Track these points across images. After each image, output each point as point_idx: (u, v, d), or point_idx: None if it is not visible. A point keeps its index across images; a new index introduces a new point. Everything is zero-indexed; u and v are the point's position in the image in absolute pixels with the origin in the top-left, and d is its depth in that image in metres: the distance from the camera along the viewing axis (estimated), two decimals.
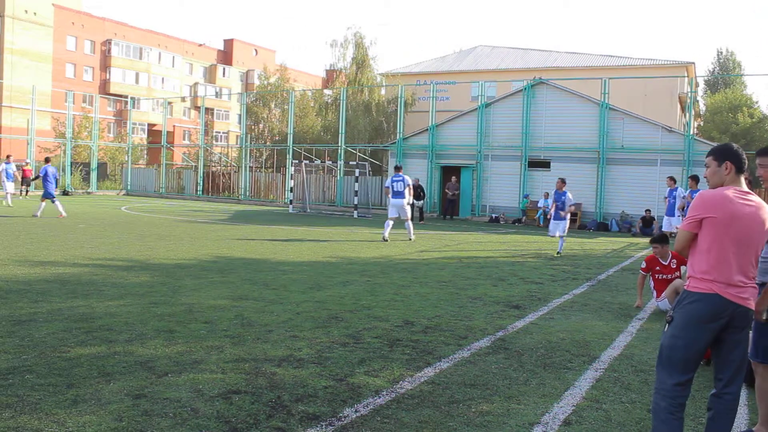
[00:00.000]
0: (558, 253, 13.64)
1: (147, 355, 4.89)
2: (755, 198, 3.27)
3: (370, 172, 30.50)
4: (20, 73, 52.24)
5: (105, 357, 4.78)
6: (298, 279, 8.88)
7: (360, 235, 16.72)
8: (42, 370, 4.39)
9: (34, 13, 54.45)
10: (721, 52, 66.16)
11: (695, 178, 14.27)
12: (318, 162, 31.61)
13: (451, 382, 4.58)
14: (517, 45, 55.72)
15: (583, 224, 23.56)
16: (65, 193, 33.28)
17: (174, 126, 62.27)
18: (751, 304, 3.23)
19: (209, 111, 65.65)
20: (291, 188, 28.26)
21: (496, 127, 25.99)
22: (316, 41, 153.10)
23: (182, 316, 6.21)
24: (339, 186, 30.53)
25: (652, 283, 7.86)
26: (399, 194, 15.27)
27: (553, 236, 14.01)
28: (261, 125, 48.56)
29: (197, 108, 63.12)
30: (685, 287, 3.30)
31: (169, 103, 51.71)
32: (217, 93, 68.33)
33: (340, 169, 30.52)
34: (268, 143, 43.80)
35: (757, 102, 53.01)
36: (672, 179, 15.28)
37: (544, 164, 24.87)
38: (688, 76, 35.03)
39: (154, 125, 60.84)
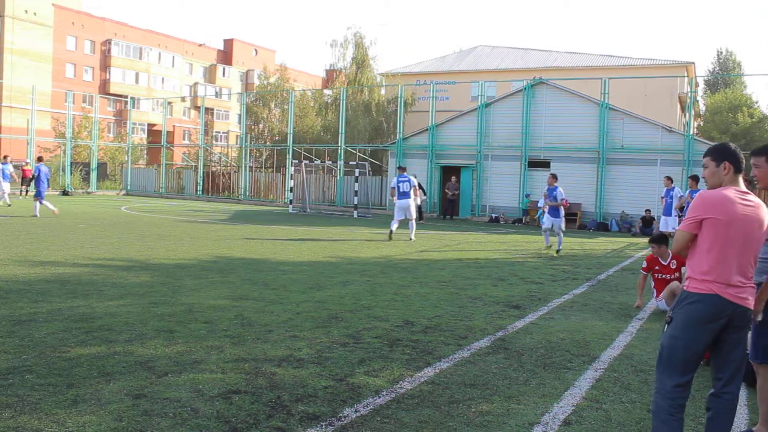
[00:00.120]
0: (557, 251, 13.65)
1: (147, 355, 4.89)
2: (754, 198, 3.27)
3: (370, 172, 30.50)
4: (20, 73, 52.25)
5: (105, 357, 4.78)
6: (298, 279, 8.88)
7: (360, 235, 16.72)
8: (42, 370, 4.39)
9: (34, 13, 54.45)
10: (721, 52, 66.20)
11: (695, 178, 14.27)
12: (318, 162, 31.61)
13: (451, 382, 4.58)
14: (517, 45, 55.77)
15: (583, 224, 23.57)
16: (65, 193, 33.29)
17: (174, 126, 62.28)
18: (750, 304, 3.23)
19: (209, 111, 65.65)
20: (291, 188, 28.26)
21: (496, 127, 25.99)
22: (316, 41, 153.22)
23: (182, 316, 6.22)
24: (339, 186, 30.54)
25: (653, 282, 7.86)
26: (405, 195, 15.25)
27: (547, 228, 13.92)
28: (261, 125, 48.56)
29: (197, 108, 63.13)
30: (685, 288, 3.30)
31: (169, 103, 51.71)
32: (217, 93, 68.33)
33: (340, 169, 30.52)
34: (268, 143, 43.80)
35: (757, 102, 53.10)
36: (669, 179, 15.27)
37: (544, 164, 24.86)
38: (688, 76, 35.03)
39: (154, 125, 60.83)
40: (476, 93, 30.25)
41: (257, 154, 42.63)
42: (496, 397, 4.30)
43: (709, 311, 3.16)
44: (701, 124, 53.68)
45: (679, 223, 13.05)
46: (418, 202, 15.53)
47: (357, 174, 25.72)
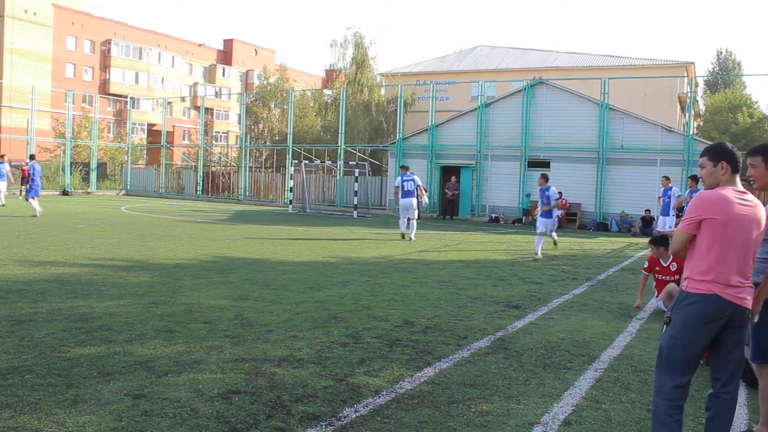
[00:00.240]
0: (536, 257, 12.83)
1: (147, 355, 4.89)
2: (752, 198, 3.28)
3: (370, 172, 30.49)
4: (20, 73, 52.24)
5: (105, 357, 4.78)
6: (298, 279, 8.88)
7: (360, 235, 16.72)
8: (42, 370, 4.39)
9: (34, 13, 54.44)
10: (721, 52, 66.19)
11: (695, 179, 14.26)
12: (318, 162, 31.61)
13: (451, 382, 4.58)
14: (517, 45, 55.77)
15: (582, 224, 23.58)
16: (65, 193, 33.29)
17: (174, 126, 62.27)
18: (749, 304, 3.23)
19: (209, 111, 65.64)
20: (291, 188, 28.27)
21: (496, 127, 26.00)
22: (316, 41, 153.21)
23: (182, 316, 6.22)
24: (339, 186, 30.54)
25: (654, 282, 7.86)
26: (409, 193, 15.27)
27: (541, 233, 13.31)
28: (261, 125, 48.53)
29: (197, 108, 63.11)
30: (684, 288, 3.30)
31: (169, 103, 51.69)
32: (216, 93, 68.32)
33: (339, 169, 30.52)
34: (267, 143, 43.78)
35: (756, 102, 53.04)
36: (666, 178, 15.25)
37: (544, 164, 24.86)
38: (687, 76, 35.03)
39: (154, 125, 60.82)
40: (476, 93, 30.26)
41: (257, 154, 42.63)
42: (496, 397, 4.30)
43: (708, 311, 3.16)
44: (701, 124, 53.68)
45: (677, 223, 13.05)
46: (426, 200, 15.58)
47: (357, 174, 25.73)
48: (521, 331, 6.27)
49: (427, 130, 27.67)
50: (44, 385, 4.10)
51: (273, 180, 34.42)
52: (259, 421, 3.68)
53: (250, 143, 40.36)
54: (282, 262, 10.58)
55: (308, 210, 27.42)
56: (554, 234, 13.63)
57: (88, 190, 36.12)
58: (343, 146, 30.98)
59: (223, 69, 72.17)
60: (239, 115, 55.79)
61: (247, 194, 33.75)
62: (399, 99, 30.52)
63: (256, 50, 75.62)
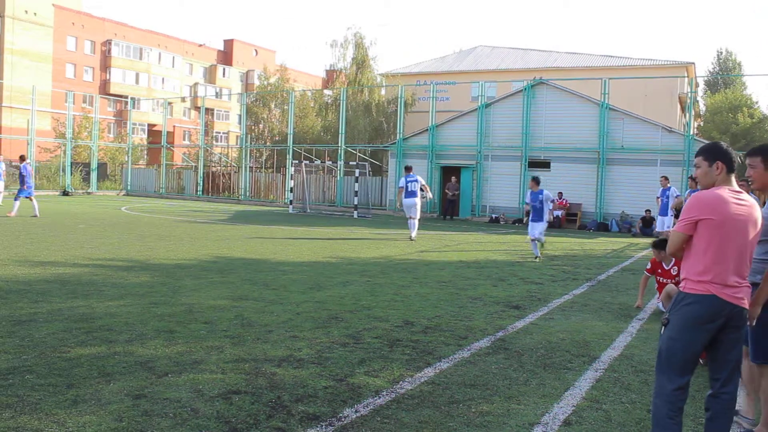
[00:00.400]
0: (537, 257, 12.62)
1: (147, 355, 4.89)
2: (748, 198, 3.28)
3: (370, 173, 30.49)
4: (20, 73, 52.24)
5: (105, 357, 4.78)
6: (298, 279, 8.88)
7: (360, 235, 16.72)
8: (42, 370, 4.40)
9: (34, 14, 54.45)
10: (721, 53, 66.17)
11: (695, 179, 14.22)
12: (318, 162, 31.62)
13: (451, 382, 4.58)
14: (517, 45, 55.78)
15: (583, 224, 23.57)
16: (65, 193, 33.30)
17: (174, 126, 62.26)
18: (746, 304, 3.23)
19: (209, 111, 65.64)
20: (291, 188, 28.27)
21: (496, 127, 26.00)
22: (316, 41, 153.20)
23: (182, 317, 6.22)
24: (339, 186, 30.54)
25: (656, 284, 7.86)
26: (412, 194, 15.46)
27: (533, 238, 12.66)
28: (261, 125, 48.54)
29: (197, 108, 63.09)
30: (681, 288, 3.30)
31: (169, 103, 51.73)
32: (217, 93, 68.33)
33: (340, 170, 30.52)
34: (268, 143, 43.79)
35: (757, 102, 53.11)
36: (665, 178, 15.24)
37: (544, 164, 24.87)
38: (688, 77, 35.04)
39: (154, 125, 60.82)
40: (476, 93, 30.24)
41: (257, 155, 42.63)
42: (496, 397, 4.31)
43: (706, 312, 3.16)
44: (701, 124, 53.66)
45: (675, 223, 12.99)
46: (431, 196, 15.66)
47: (357, 174, 25.73)
48: (521, 332, 6.27)
49: (427, 130, 27.67)
50: (44, 386, 4.10)
51: (273, 180, 34.43)
52: (259, 422, 3.68)
53: (251, 143, 40.36)
54: (282, 263, 10.59)
55: (308, 210, 27.42)
56: (536, 243, 12.93)
57: (89, 191, 36.13)
58: (344, 146, 30.98)
59: (224, 69, 72.18)
60: (239, 116, 55.75)
61: (248, 194, 33.75)
62: (399, 99, 30.52)
63: (256, 50, 75.63)
